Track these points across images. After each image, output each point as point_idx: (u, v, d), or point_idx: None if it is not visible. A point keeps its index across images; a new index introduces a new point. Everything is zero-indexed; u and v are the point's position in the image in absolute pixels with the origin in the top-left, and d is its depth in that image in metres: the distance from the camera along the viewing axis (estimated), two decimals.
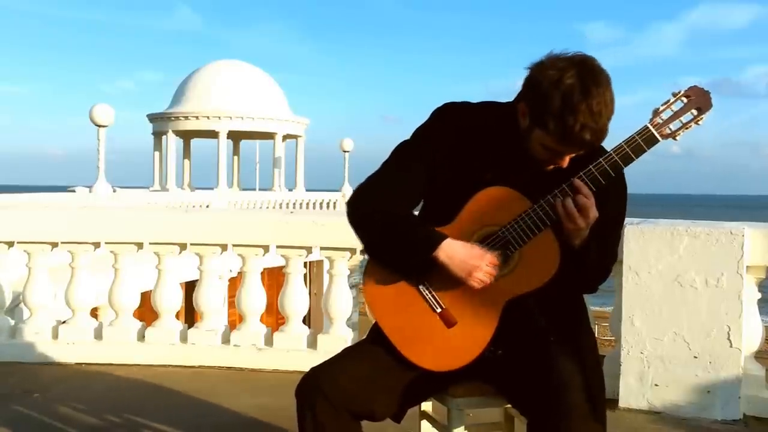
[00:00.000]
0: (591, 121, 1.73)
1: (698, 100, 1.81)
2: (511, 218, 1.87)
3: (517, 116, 1.91)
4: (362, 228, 1.99)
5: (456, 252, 1.86)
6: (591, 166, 1.82)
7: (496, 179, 1.94)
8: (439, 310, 1.93)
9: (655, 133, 1.80)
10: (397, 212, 1.94)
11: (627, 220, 3.64)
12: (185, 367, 4.35)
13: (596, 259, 1.94)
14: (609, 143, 1.87)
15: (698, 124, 1.82)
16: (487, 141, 1.97)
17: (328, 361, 1.99)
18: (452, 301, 1.92)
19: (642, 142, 1.80)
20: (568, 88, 1.74)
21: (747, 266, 3.46)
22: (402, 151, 2.03)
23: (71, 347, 4.45)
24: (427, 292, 1.94)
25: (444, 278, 1.91)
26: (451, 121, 2.01)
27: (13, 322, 4.60)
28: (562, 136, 1.76)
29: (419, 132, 2.04)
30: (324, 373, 1.93)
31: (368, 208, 1.97)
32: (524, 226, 1.86)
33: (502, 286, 1.90)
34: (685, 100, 1.81)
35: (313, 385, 1.90)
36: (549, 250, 1.88)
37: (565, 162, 1.87)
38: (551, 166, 1.90)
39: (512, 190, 1.91)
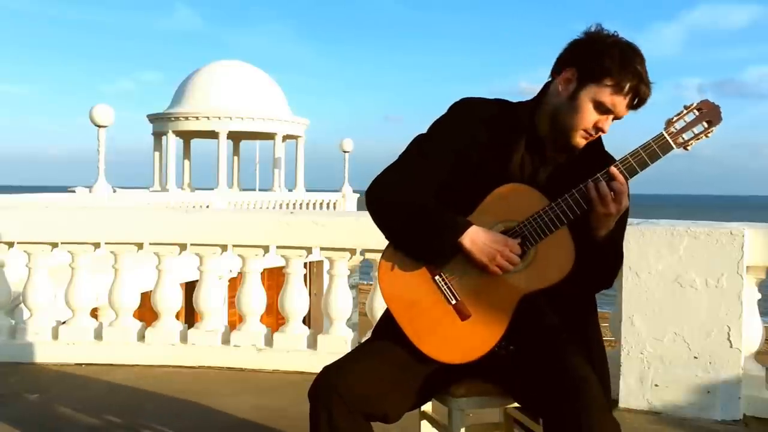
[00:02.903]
0: (645, 73, 1.88)
1: (709, 114, 1.88)
2: (528, 214, 1.89)
3: (538, 104, 1.98)
4: (384, 215, 1.99)
5: (479, 237, 1.88)
6: (608, 169, 1.86)
7: (513, 174, 1.97)
8: (453, 301, 1.93)
9: (671, 141, 1.86)
10: (419, 199, 1.95)
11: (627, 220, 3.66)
12: (185, 367, 4.35)
13: (618, 247, 2.01)
14: (621, 151, 1.92)
15: (708, 137, 1.89)
16: (504, 135, 2.00)
17: (340, 360, 1.97)
18: (467, 293, 1.93)
19: (657, 148, 1.86)
20: (621, 44, 1.89)
21: (747, 266, 3.46)
22: (420, 142, 2.04)
23: (71, 347, 4.45)
24: (443, 283, 1.94)
25: (461, 269, 1.92)
26: (469, 115, 2.03)
27: (13, 322, 4.60)
28: (622, 84, 1.86)
29: (437, 125, 2.06)
30: (339, 373, 1.91)
31: (390, 196, 1.98)
32: (541, 223, 1.88)
33: (517, 282, 1.91)
34: (696, 112, 1.88)
35: (329, 386, 1.88)
36: (565, 247, 1.90)
37: (607, 126, 1.93)
38: (587, 139, 1.94)
39: (531, 187, 1.94)
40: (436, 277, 1.94)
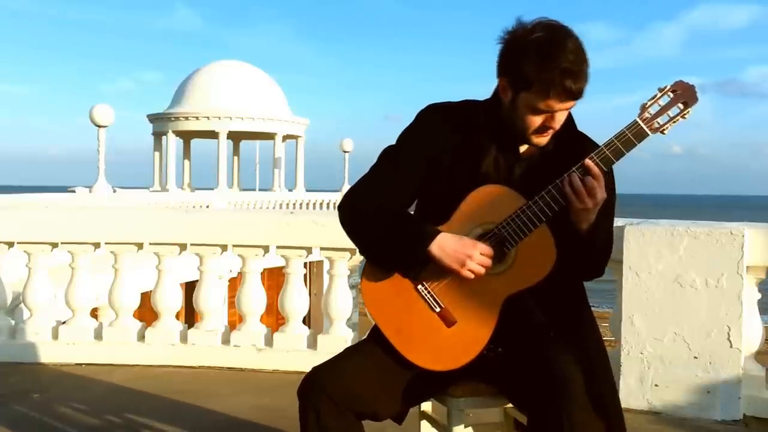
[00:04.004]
0: (570, 64, 1.77)
1: (684, 94, 1.84)
2: (506, 215, 1.88)
3: (499, 102, 1.94)
4: (356, 229, 1.99)
5: (448, 244, 1.86)
6: (583, 161, 1.83)
7: (488, 175, 1.95)
8: (438, 309, 1.92)
9: (645, 128, 1.83)
10: (389, 211, 1.95)
11: (627, 220, 3.67)
12: (185, 367, 4.35)
13: (603, 240, 1.97)
14: (601, 140, 1.90)
15: (685, 118, 1.85)
16: (474, 136, 1.98)
17: (330, 360, 1.98)
18: (451, 300, 1.92)
19: (632, 136, 1.83)
20: (539, 40, 1.79)
21: (747, 266, 3.46)
22: (390, 154, 2.03)
23: (71, 347, 4.45)
24: (425, 291, 1.93)
25: (442, 277, 1.91)
26: (436, 120, 2.02)
27: (13, 322, 4.60)
28: (546, 88, 1.78)
29: (405, 135, 2.04)
30: (327, 373, 1.92)
31: (361, 208, 1.97)
32: (520, 223, 1.86)
33: (500, 284, 1.90)
34: (671, 94, 1.84)
35: (317, 385, 1.89)
36: (545, 245, 1.89)
37: (558, 123, 1.88)
38: (545, 136, 1.90)
39: (506, 187, 1.92)
40: (419, 287, 1.93)
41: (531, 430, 1.83)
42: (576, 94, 1.81)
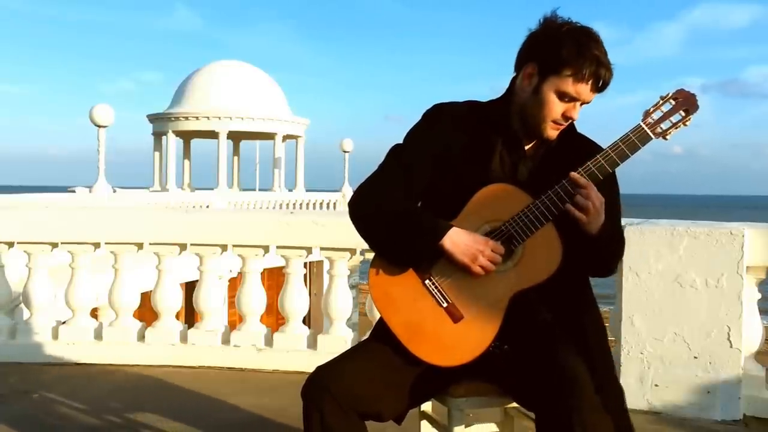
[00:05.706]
0: (602, 55, 1.88)
1: (685, 102, 1.91)
2: (513, 213, 1.90)
3: (508, 101, 1.98)
4: (367, 225, 2.01)
5: (460, 239, 1.89)
6: (589, 163, 1.89)
7: (495, 173, 1.98)
8: (445, 304, 1.93)
9: (649, 132, 1.89)
10: (400, 206, 1.96)
11: (627, 220, 3.67)
12: (185, 367, 4.35)
13: (615, 237, 2.01)
14: (604, 142, 1.96)
15: (686, 125, 1.92)
16: (479, 135, 2.01)
17: (333, 360, 1.98)
18: (458, 295, 1.93)
19: (636, 139, 1.89)
20: (575, 31, 1.90)
21: (747, 266, 3.46)
22: (398, 152, 2.05)
23: (71, 347, 4.45)
24: (433, 286, 1.94)
25: (450, 272, 1.93)
26: (442, 120, 2.05)
27: (13, 322, 4.60)
28: (581, 72, 1.86)
29: (412, 133, 2.07)
30: (331, 373, 1.92)
31: (371, 206, 1.99)
32: (527, 221, 1.89)
33: (506, 281, 1.91)
34: (673, 102, 1.91)
35: (321, 385, 1.89)
36: (552, 243, 1.90)
37: (577, 115, 1.94)
38: (558, 129, 1.96)
39: (513, 185, 1.94)
40: (426, 281, 1.95)
41: (540, 429, 1.83)
42: (604, 85, 1.91)
